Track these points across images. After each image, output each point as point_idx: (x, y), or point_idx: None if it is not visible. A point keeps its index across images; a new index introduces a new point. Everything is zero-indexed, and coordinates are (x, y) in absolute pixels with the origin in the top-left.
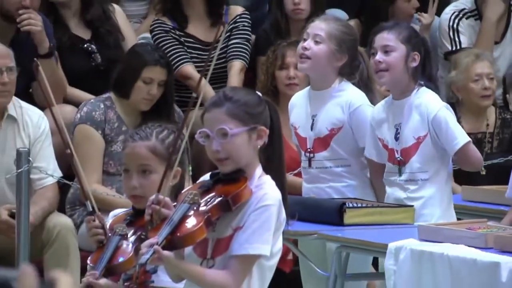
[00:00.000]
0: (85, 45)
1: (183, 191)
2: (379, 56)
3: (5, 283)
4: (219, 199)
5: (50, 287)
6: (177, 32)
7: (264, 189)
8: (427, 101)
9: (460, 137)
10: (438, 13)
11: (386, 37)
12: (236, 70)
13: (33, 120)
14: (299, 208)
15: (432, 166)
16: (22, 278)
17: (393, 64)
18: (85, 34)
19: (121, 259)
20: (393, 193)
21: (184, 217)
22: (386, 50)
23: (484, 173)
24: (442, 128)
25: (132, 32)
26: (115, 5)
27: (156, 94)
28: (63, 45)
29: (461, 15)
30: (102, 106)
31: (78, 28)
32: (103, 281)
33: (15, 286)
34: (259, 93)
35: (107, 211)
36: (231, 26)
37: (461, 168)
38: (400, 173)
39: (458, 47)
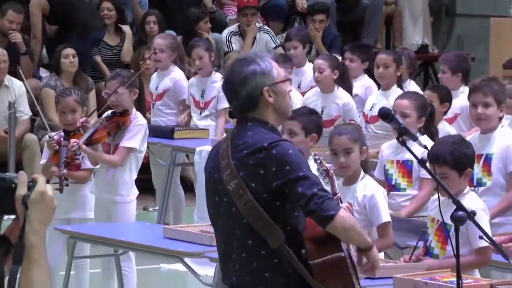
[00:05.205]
0: None
1: (98, 119)
2: (196, 64)
3: (10, 180)
4: (115, 122)
5: (34, 183)
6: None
7: (138, 118)
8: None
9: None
10: (220, 32)
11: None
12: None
13: (17, 86)
14: (152, 131)
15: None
16: (20, 177)
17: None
18: None
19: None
20: (198, 125)
21: (96, 129)
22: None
23: None
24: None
25: None
26: None
27: (74, 61)
28: None
29: (232, 34)
30: (53, 78)
31: None
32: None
33: (16, 181)
34: (132, 71)
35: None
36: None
37: None
38: (200, 114)
39: (231, 50)
